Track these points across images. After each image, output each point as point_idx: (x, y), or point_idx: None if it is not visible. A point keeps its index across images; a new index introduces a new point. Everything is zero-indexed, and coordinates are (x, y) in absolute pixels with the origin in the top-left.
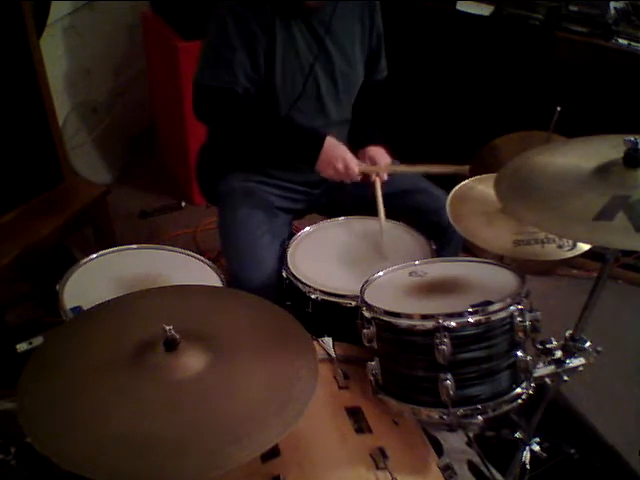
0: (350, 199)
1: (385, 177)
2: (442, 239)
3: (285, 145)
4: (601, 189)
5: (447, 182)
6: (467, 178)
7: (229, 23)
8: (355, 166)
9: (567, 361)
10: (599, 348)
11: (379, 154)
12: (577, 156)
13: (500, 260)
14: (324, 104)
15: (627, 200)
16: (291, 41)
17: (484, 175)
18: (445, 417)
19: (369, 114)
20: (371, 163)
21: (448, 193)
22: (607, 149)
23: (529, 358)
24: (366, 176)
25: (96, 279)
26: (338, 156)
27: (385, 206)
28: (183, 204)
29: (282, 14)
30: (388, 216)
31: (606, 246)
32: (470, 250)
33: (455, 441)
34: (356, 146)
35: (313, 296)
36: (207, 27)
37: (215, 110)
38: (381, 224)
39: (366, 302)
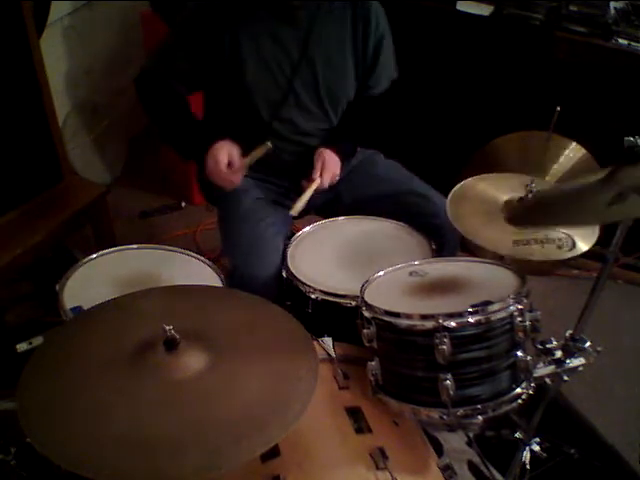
0: (349, 200)
1: (326, 186)
2: (438, 241)
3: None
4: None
5: (444, 184)
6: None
7: (185, 32)
8: (222, 163)
9: (567, 361)
10: (599, 348)
11: (332, 162)
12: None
13: (500, 260)
14: (309, 113)
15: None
16: (261, 51)
17: (484, 175)
18: (445, 417)
19: (351, 123)
20: (321, 167)
21: (445, 195)
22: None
23: (529, 358)
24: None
25: (96, 279)
26: (212, 156)
27: (382, 207)
28: (183, 204)
29: (259, 16)
30: (386, 215)
31: (622, 219)
32: (470, 250)
33: (455, 441)
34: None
35: (313, 296)
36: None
37: (152, 93)
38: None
39: (366, 302)
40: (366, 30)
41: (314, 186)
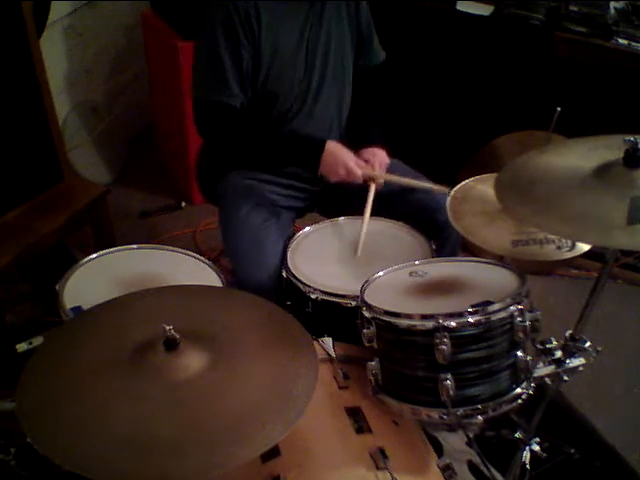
0: (351, 198)
1: (382, 183)
2: (440, 238)
3: (286, 156)
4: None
5: (446, 181)
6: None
7: (217, 33)
8: (357, 170)
9: (567, 361)
10: (599, 348)
11: (378, 155)
12: (577, 157)
13: (500, 260)
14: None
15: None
16: (279, 31)
17: (484, 175)
18: (445, 417)
19: (368, 109)
20: (370, 164)
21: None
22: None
23: (529, 358)
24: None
25: (96, 279)
26: (339, 162)
27: (385, 204)
28: (183, 204)
29: None
30: (389, 215)
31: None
32: (470, 250)
33: (455, 441)
34: (355, 144)
35: (313, 296)
36: (197, 36)
37: (215, 126)
38: (363, 228)
39: (366, 302)
40: (357, 7)
41: (372, 190)
